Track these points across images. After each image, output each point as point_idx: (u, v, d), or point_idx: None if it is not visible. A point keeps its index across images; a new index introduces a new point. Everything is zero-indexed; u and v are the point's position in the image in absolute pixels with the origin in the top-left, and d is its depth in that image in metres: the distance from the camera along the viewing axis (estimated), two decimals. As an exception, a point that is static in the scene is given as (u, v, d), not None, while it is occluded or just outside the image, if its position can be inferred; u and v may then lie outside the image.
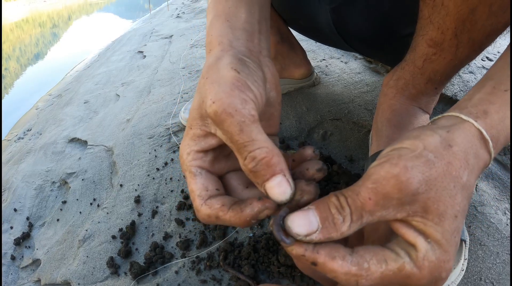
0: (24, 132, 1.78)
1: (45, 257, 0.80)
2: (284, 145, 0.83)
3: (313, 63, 1.19)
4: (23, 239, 0.90)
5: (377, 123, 0.60)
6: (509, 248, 0.52)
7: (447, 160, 0.28)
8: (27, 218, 0.96)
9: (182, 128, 1.01)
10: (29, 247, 0.88)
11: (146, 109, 1.22)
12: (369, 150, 0.66)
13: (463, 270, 0.46)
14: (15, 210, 1.00)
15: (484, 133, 0.30)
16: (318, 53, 1.30)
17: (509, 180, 0.62)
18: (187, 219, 0.69)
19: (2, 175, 1.27)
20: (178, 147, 0.93)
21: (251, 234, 0.62)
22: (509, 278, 0.49)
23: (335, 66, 1.17)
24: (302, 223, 0.27)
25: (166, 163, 0.88)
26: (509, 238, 0.52)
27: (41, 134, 1.50)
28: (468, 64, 0.91)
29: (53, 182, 1.05)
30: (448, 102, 0.84)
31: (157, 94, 1.33)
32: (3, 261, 0.85)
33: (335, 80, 1.07)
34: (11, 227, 0.95)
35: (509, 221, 0.55)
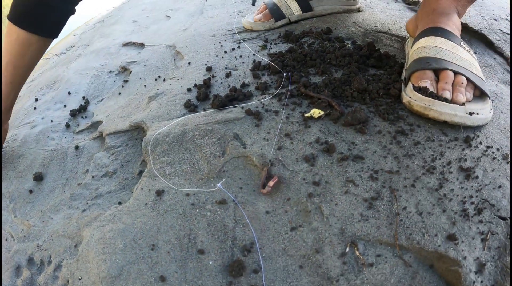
0: (67, 48, 1.85)
1: (107, 118, 0.86)
2: (339, 39, 0.93)
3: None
4: (79, 111, 0.96)
5: (420, 14, 0.76)
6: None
7: None
8: (83, 97, 1.02)
9: (245, 30, 1.06)
10: (86, 117, 0.94)
11: (202, 21, 1.28)
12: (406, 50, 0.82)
13: (491, 111, 0.61)
14: (69, 93, 1.07)
15: None
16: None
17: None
18: (263, 74, 0.75)
19: (49, 75, 1.34)
20: (243, 40, 0.99)
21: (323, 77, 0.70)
22: None
23: (378, 3, 1.26)
24: None
25: (233, 49, 0.95)
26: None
27: (88, 45, 1.57)
28: (493, 13, 1.12)
29: (110, 71, 1.11)
30: (474, 35, 0.98)
31: (212, 13, 1.39)
32: (54, 129, 0.90)
33: (378, 11, 1.16)
34: (65, 105, 1.02)
35: None
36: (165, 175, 0.55)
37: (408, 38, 0.85)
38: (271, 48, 0.91)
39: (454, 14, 0.71)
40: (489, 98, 0.62)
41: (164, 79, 0.91)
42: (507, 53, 0.90)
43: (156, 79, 0.93)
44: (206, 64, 0.89)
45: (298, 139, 0.56)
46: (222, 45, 0.99)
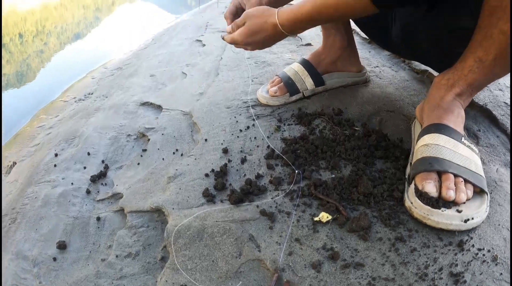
0: (85, 95, 1.96)
1: (127, 191, 0.94)
2: (350, 122, 1.01)
3: (368, 69, 1.36)
4: (99, 177, 1.03)
5: (425, 108, 0.84)
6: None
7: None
8: (102, 161, 1.10)
9: (259, 104, 1.15)
10: (106, 184, 1.02)
11: (218, 86, 1.37)
12: (412, 133, 0.91)
13: (486, 211, 0.68)
14: (88, 153, 1.15)
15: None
16: (371, 61, 1.48)
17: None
18: (276, 165, 0.83)
19: (68, 127, 1.42)
20: (258, 117, 1.07)
21: (333, 176, 0.78)
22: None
23: (387, 72, 1.36)
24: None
25: (248, 127, 1.03)
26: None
27: (107, 97, 1.67)
28: (498, 83, 1.19)
29: (129, 135, 1.20)
30: (480, 110, 1.06)
31: (226, 76, 1.49)
32: (75, 194, 0.98)
33: (387, 83, 1.26)
34: (84, 167, 1.09)
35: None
36: (187, 270, 0.62)
37: (415, 118, 0.92)
38: (285, 130, 0.99)
39: (457, 108, 0.80)
40: (487, 194, 0.70)
41: (182, 154, 0.99)
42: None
43: (174, 153, 1.01)
44: (222, 144, 0.97)
45: (307, 244, 0.63)
46: (237, 121, 1.08)
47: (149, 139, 1.12)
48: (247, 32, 0.92)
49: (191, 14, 5.20)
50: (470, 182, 0.69)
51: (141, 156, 1.05)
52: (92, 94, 1.93)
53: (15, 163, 1.39)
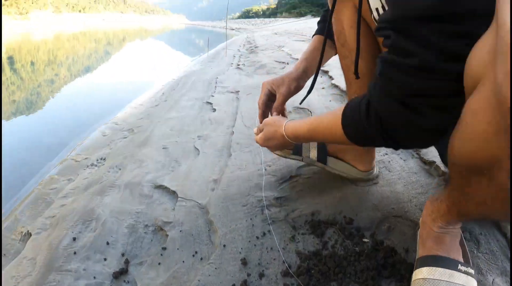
0: (98, 160, 2.02)
1: (149, 295, 0.98)
2: (359, 234, 1.06)
3: (376, 157, 1.41)
4: (121, 273, 1.07)
5: (422, 233, 0.89)
6: None
7: None
8: (122, 254, 1.14)
9: (272, 204, 1.20)
10: (128, 282, 1.05)
11: (232, 174, 1.43)
12: (417, 245, 0.92)
13: None
14: (107, 243, 1.19)
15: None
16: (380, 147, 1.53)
17: None
18: (292, 284, 0.87)
19: (83, 204, 1.47)
20: (273, 221, 1.12)
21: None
22: None
23: (395, 163, 1.41)
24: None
25: (264, 234, 1.08)
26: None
27: (120, 169, 1.72)
28: None
29: (146, 225, 1.24)
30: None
31: (239, 159, 1.55)
32: None
33: (396, 178, 1.31)
34: (105, 259, 1.13)
35: None
36: None
37: (419, 224, 0.96)
38: (299, 241, 1.04)
39: (448, 235, 0.84)
40: None
41: (201, 258, 1.03)
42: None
43: (193, 255, 1.06)
44: (240, 252, 1.02)
45: None
46: (253, 225, 1.13)
47: (167, 235, 1.16)
48: (264, 137, 1.15)
49: (199, 62, 5.36)
50: None
51: (161, 254, 1.09)
52: (104, 160, 1.99)
53: (30, 234, 1.43)
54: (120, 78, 5.18)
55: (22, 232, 1.52)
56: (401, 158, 1.45)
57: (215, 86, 3.09)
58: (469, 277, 0.79)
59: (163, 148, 1.83)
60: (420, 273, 0.81)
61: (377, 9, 0.84)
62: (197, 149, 1.75)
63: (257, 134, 1.19)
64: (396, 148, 0.77)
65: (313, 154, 1.27)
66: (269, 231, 1.09)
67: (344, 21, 1.03)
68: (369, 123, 0.73)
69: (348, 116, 0.80)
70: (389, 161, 1.42)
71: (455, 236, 0.85)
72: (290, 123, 1.02)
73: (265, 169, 1.43)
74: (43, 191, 1.85)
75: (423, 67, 0.60)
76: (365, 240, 1.03)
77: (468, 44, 0.55)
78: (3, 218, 1.74)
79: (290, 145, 1.16)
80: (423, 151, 1.44)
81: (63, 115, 3.79)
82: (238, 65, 4.19)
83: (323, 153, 1.27)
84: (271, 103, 1.27)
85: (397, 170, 1.36)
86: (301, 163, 1.43)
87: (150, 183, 1.50)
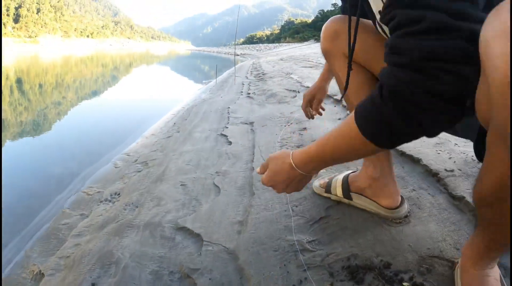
0: (112, 195, 1.97)
1: None
2: (398, 277, 1.00)
3: (404, 193, 1.38)
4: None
5: (465, 281, 0.88)
6: None
7: None
8: (148, 305, 1.08)
9: (305, 248, 1.15)
10: None
11: (258, 215, 1.37)
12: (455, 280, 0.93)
13: None
14: (130, 291, 1.12)
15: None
16: (407, 181, 1.50)
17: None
18: None
19: (101, 245, 1.41)
20: (308, 267, 1.06)
21: None
22: None
23: (425, 199, 1.36)
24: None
25: (301, 281, 1.02)
26: None
27: (137, 207, 1.67)
28: None
29: (171, 272, 1.18)
30: None
31: (263, 199, 1.49)
32: None
33: (427, 216, 1.26)
34: (129, 310, 1.07)
35: None
36: None
37: (457, 263, 0.95)
38: (339, 291, 0.98)
39: (486, 277, 0.83)
40: None
41: (234, 314, 0.97)
42: None
43: (225, 310, 0.99)
44: (276, 309, 0.96)
45: None
46: (288, 271, 1.06)
47: (195, 283, 1.10)
48: (270, 173, 0.99)
49: (208, 89, 5.36)
50: None
51: (190, 306, 1.03)
52: (119, 195, 1.94)
53: (43, 275, 1.36)
54: (129, 105, 5.17)
55: (33, 271, 1.46)
56: (429, 193, 1.40)
57: (228, 117, 3.06)
58: None
59: (181, 185, 1.78)
60: None
61: (379, 12, 0.81)
62: (217, 186, 1.70)
63: (260, 172, 1.04)
64: (416, 133, 0.68)
65: (339, 191, 1.36)
66: (305, 278, 1.03)
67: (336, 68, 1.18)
68: (384, 102, 0.66)
69: (361, 109, 0.73)
70: (418, 198, 1.37)
71: (496, 277, 0.84)
72: (297, 150, 0.94)
73: (292, 210, 1.38)
74: (55, 226, 1.80)
75: (435, 28, 0.58)
76: (405, 284, 0.98)
77: (472, 4, 0.57)
78: (12, 255, 1.68)
79: (299, 180, 0.97)
80: (451, 186, 1.39)
81: (71, 142, 3.77)
82: (249, 93, 4.19)
83: (347, 191, 1.34)
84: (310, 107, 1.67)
85: (427, 206, 1.31)
86: (329, 203, 1.38)
87: (171, 224, 1.44)
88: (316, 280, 1.03)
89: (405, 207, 1.26)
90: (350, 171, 1.41)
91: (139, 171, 2.17)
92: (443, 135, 1.73)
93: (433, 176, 1.48)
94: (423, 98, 0.61)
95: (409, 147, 1.76)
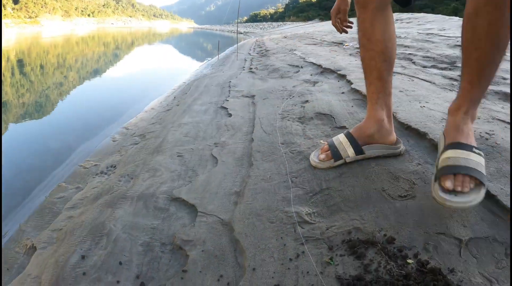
0: (108, 167, 1.91)
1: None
2: (402, 254, 0.95)
3: (410, 167, 1.33)
4: (139, 299, 0.96)
5: (448, 129, 1.17)
6: None
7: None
8: (137, 277, 1.02)
9: (304, 220, 1.08)
10: (145, 311, 0.94)
11: (256, 185, 1.31)
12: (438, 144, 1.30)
13: (482, 195, 1.00)
14: (120, 263, 1.07)
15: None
16: (413, 155, 1.43)
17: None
18: None
19: (93, 216, 1.36)
20: (307, 240, 1.00)
21: None
22: None
23: (430, 173, 1.29)
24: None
25: (298, 255, 0.96)
26: None
27: (132, 178, 1.61)
28: None
29: (163, 244, 1.13)
30: None
31: (262, 169, 1.43)
32: None
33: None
34: (118, 281, 1.02)
35: None
36: None
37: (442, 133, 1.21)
38: (338, 264, 0.92)
39: (465, 126, 1.14)
40: (484, 185, 1.02)
41: (228, 284, 0.92)
42: None
43: (218, 280, 0.94)
44: (273, 277, 0.90)
45: None
46: (285, 244, 1.01)
47: (187, 255, 1.04)
48: None
49: (209, 65, 5.26)
50: (474, 177, 1.02)
51: (182, 278, 0.97)
52: (114, 167, 1.88)
53: (36, 248, 1.32)
54: (130, 82, 5.09)
55: (26, 245, 1.42)
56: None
57: (229, 90, 2.98)
58: (480, 157, 1.07)
59: (178, 156, 1.72)
60: (446, 154, 1.09)
61: None
62: (215, 157, 1.64)
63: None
64: None
65: (351, 151, 1.38)
66: (303, 252, 0.97)
67: (367, 20, 1.32)
68: None
69: None
70: (424, 172, 1.29)
71: (470, 127, 1.14)
72: None
73: (292, 181, 1.31)
74: (50, 200, 1.75)
75: None
76: (409, 261, 0.92)
77: None
78: (7, 228, 1.65)
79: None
80: None
81: (71, 119, 3.71)
82: (251, 68, 4.08)
83: (357, 147, 1.38)
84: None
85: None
86: (331, 175, 1.32)
87: (166, 195, 1.39)
88: (314, 254, 0.97)
89: (402, 145, 1.45)
90: (344, 132, 1.44)
91: (136, 144, 2.11)
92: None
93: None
94: None
95: (415, 121, 1.69)
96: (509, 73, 2.48)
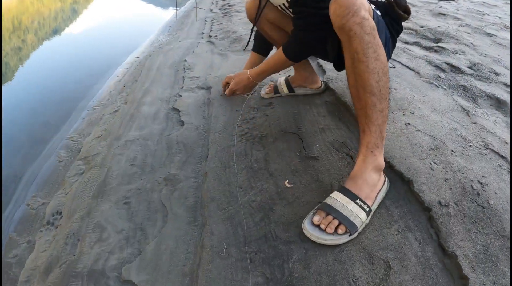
0: (53, 215, 1.74)
1: None
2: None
3: (388, 239, 1.16)
4: None
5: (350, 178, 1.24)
6: None
7: None
8: None
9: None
10: None
11: (210, 265, 1.18)
12: None
13: (344, 241, 1.11)
14: None
15: None
16: (392, 215, 1.25)
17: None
18: None
19: None
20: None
21: None
22: None
23: (410, 248, 1.14)
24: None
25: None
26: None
27: (78, 240, 1.45)
28: None
29: None
30: None
31: (217, 235, 1.28)
32: None
33: (410, 279, 1.03)
34: None
35: None
36: None
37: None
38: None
39: (360, 179, 1.18)
40: (350, 235, 1.11)
41: None
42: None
43: None
44: None
45: None
46: None
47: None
48: (235, 81, 2.04)
49: (167, 29, 4.75)
50: (344, 224, 1.10)
51: None
52: (60, 215, 1.69)
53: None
54: (82, 55, 4.60)
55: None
56: (416, 239, 1.19)
57: (183, 76, 2.71)
58: (361, 210, 1.13)
59: (124, 203, 1.53)
60: (333, 194, 1.19)
61: (280, 6, 1.66)
62: (165, 206, 1.46)
63: (224, 85, 2.20)
64: (308, 41, 1.53)
65: (285, 89, 2.03)
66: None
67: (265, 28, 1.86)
68: (294, 32, 1.56)
69: (286, 42, 1.63)
70: (402, 247, 1.14)
71: (366, 176, 1.19)
72: (251, 69, 1.91)
73: (251, 260, 1.16)
74: (6, 262, 1.54)
75: (307, 12, 1.42)
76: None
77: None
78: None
79: (251, 88, 2.03)
80: (444, 231, 1.10)
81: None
82: (210, 37, 3.74)
83: (290, 87, 2.03)
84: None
85: (411, 263, 1.12)
86: (295, 254, 1.17)
87: (116, 273, 1.24)
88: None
89: (323, 85, 2.04)
90: (284, 76, 2.09)
91: (81, 174, 1.89)
92: (439, 137, 1.45)
93: (424, 210, 1.20)
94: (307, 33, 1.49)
95: (398, 158, 1.38)
96: (509, 72, 2.15)
